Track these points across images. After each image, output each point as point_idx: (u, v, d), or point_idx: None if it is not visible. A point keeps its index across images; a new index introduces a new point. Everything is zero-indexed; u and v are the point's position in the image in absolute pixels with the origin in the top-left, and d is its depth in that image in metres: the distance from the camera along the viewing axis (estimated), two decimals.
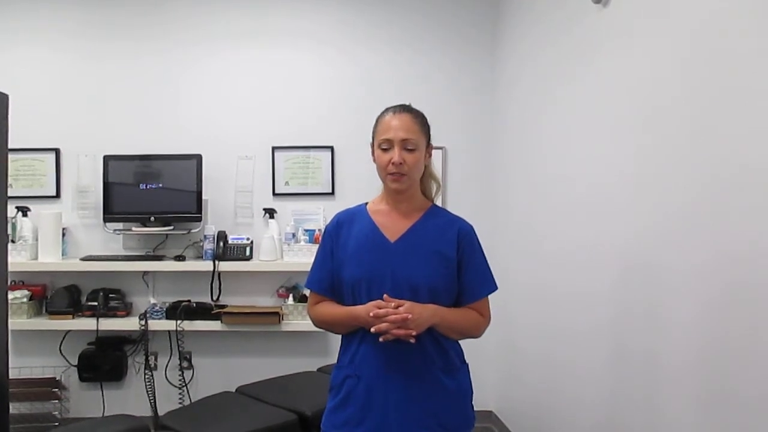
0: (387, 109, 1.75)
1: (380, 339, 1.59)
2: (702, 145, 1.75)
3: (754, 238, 1.53)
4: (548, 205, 2.95)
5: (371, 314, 1.60)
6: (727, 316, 1.63)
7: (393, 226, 1.74)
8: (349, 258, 1.73)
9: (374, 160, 1.76)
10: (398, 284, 1.67)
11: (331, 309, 1.76)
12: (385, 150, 1.70)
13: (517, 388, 3.40)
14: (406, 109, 1.74)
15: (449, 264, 1.71)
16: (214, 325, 3.52)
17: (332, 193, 3.77)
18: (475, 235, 1.78)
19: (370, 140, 1.77)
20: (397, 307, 1.59)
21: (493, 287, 1.78)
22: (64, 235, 3.60)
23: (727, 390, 1.62)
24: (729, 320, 1.62)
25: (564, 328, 2.74)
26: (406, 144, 1.68)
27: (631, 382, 2.14)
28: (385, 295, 1.62)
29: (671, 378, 1.88)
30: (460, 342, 1.78)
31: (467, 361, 1.80)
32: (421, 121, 1.74)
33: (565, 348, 2.73)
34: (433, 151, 1.82)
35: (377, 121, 1.76)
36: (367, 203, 1.83)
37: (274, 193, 3.78)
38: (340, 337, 1.80)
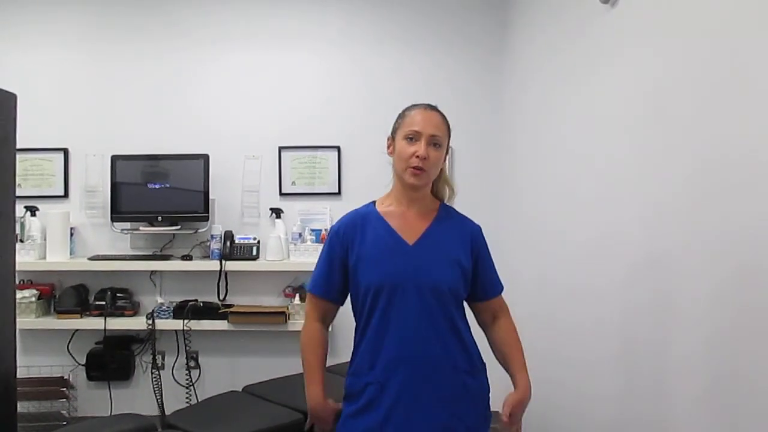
0: (416, 105, 1.74)
1: None
2: (704, 134, 1.75)
3: (760, 223, 1.52)
4: (554, 201, 2.95)
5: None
6: (737, 303, 1.62)
7: (409, 228, 1.72)
8: (366, 263, 1.69)
9: (390, 153, 1.74)
10: (421, 288, 1.65)
11: (311, 358, 1.76)
12: (410, 142, 1.67)
13: None
14: (435, 108, 1.74)
15: (465, 265, 1.72)
16: (220, 325, 3.52)
17: (339, 193, 3.77)
18: (483, 235, 1.80)
19: (390, 133, 1.75)
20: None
21: (502, 285, 1.83)
22: (72, 234, 3.61)
23: (738, 380, 1.61)
24: (738, 308, 1.61)
25: (571, 323, 2.74)
26: (434, 140, 1.67)
27: (640, 375, 2.13)
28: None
29: (681, 370, 1.87)
30: (476, 342, 1.78)
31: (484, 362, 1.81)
32: (447, 123, 1.74)
33: (572, 343, 2.72)
34: None
35: (403, 113, 1.74)
36: (374, 202, 1.81)
37: (280, 193, 3.79)
38: (346, 336, 1.80)
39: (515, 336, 1.81)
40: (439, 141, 1.69)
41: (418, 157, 1.65)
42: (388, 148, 1.75)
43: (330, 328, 1.87)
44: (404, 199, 1.74)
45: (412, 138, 1.67)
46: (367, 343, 1.70)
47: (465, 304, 1.80)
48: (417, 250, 1.70)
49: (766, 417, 1.50)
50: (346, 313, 1.83)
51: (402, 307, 1.65)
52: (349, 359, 1.80)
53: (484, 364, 1.78)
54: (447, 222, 1.76)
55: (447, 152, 1.76)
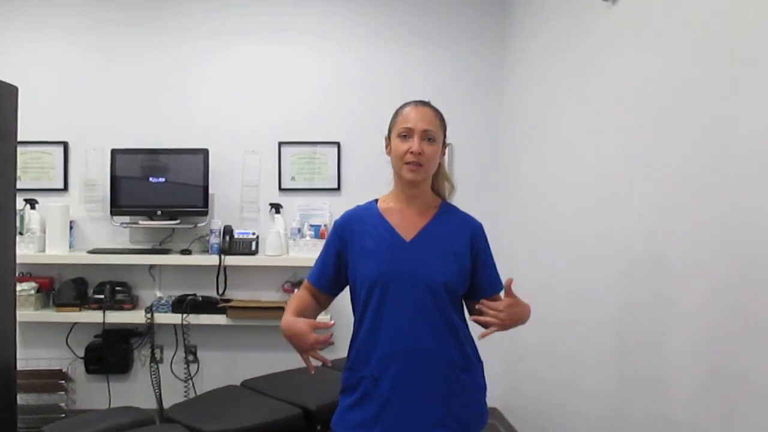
0: (408, 102, 1.75)
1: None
2: (703, 131, 1.76)
3: (757, 221, 1.53)
4: (553, 199, 2.96)
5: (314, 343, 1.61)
6: (733, 300, 1.63)
7: (407, 225, 1.73)
8: (363, 258, 1.71)
9: (388, 153, 1.75)
10: (416, 283, 1.66)
11: (290, 303, 1.76)
12: (404, 139, 1.68)
13: (521, 383, 3.40)
14: (427, 104, 1.75)
15: (463, 261, 1.72)
16: (219, 319, 3.53)
17: (338, 188, 3.78)
18: (485, 233, 1.80)
19: (386, 133, 1.76)
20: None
21: (501, 285, 1.80)
22: (71, 227, 3.61)
23: (734, 377, 1.62)
24: (735, 305, 1.62)
25: (569, 320, 2.75)
26: (427, 134, 1.67)
27: (637, 371, 2.14)
28: (483, 302, 1.66)
29: (678, 366, 1.88)
30: (473, 339, 1.78)
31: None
32: (440, 117, 1.74)
33: (570, 340, 2.73)
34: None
35: (396, 112, 1.75)
36: (376, 200, 1.81)
37: (280, 188, 3.79)
38: (345, 331, 1.80)
39: None
40: (433, 135, 1.69)
41: (412, 153, 1.66)
42: (386, 147, 1.76)
43: (330, 319, 1.87)
44: (404, 196, 1.75)
45: (406, 135, 1.68)
46: (363, 337, 1.72)
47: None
48: (413, 246, 1.70)
49: (762, 413, 1.51)
50: (345, 309, 1.84)
51: (396, 302, 1.66)
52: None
53: (481, 362, 1.79)
54: (446, 219, 1.76)
55: (444, 147, 1.76)
